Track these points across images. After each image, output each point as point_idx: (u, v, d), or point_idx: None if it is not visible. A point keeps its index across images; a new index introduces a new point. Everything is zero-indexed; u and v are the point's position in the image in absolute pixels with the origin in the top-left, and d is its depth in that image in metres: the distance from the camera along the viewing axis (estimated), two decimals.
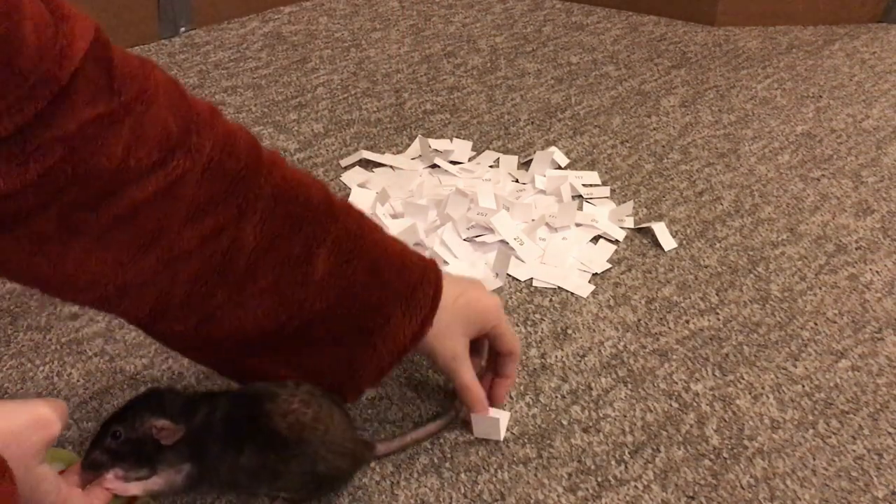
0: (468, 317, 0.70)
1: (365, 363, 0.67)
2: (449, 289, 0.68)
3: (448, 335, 0.69)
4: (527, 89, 1.39)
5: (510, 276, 0.97)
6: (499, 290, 0.94)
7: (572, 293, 0.94)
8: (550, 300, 0.93)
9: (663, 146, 1.24)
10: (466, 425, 0.76)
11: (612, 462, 0.74)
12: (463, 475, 0.72)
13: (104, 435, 0.59)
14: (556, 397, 0.81)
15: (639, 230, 1.05)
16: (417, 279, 0.66)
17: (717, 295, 0.95)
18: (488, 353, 0.77)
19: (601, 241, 1.03)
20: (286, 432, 0.61)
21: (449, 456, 0.74)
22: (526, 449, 0.75)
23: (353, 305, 0.64)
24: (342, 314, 0.64)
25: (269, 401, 0.61)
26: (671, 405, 0.81)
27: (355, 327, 0.65)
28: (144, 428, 0.58)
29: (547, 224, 1.04)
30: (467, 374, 0.72)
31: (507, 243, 0.99)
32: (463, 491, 0.71)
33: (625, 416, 0.79)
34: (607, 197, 1.12)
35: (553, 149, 1.20)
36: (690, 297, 0.95)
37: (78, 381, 0.80)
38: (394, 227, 1.00)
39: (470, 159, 1.18)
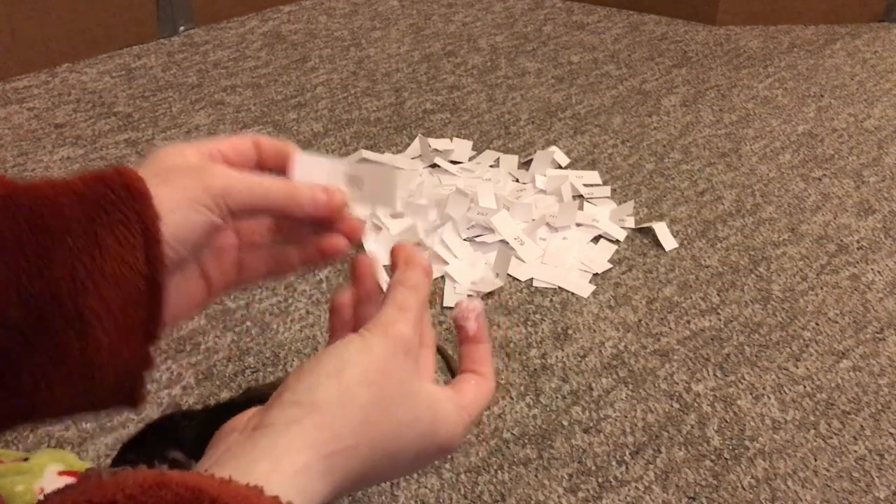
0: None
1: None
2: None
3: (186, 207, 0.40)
4: (527, 88, 1.39)
5: (510, 276, 0.96)
6: (499, 291, 0.94)
7: (573, 293, 0.94)
8: (551, 300, 0.93)
9: (664, 146, 1.24)
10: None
11: (613, 463, 0.74)
12: (463, 476, 0.72)
13: (121, 462, 0.59)
14: (557, 398, 0.81)
15: (640, 230, 1.05)
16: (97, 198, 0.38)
17: (718, 295, 0.95)
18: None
19: (602, 240, 1.02)
20: None
21: (449, 456, 0.74)
22: (526, 450, 0.75)
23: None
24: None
25: None
26: (672, 406, 0.80)
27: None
28: (160, 459, 0.58)
29: (547, 224, 1.03)
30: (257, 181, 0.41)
31: (508, 243, 0.99)
32: (463, 492, 0.71)
33: (626, 417, 0.79)
34: (608, 197, 1.11)
35: (553, 148, 1.19)
36: (691, 298, 0.95)
37: None
38: (394, 227, 1.00)
39: (470, 159, 1.18)
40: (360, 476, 0.38)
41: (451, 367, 0.83)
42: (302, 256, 0.45)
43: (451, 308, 0.91)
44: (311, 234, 0.45)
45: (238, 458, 0.35)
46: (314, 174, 0.43)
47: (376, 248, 0.99)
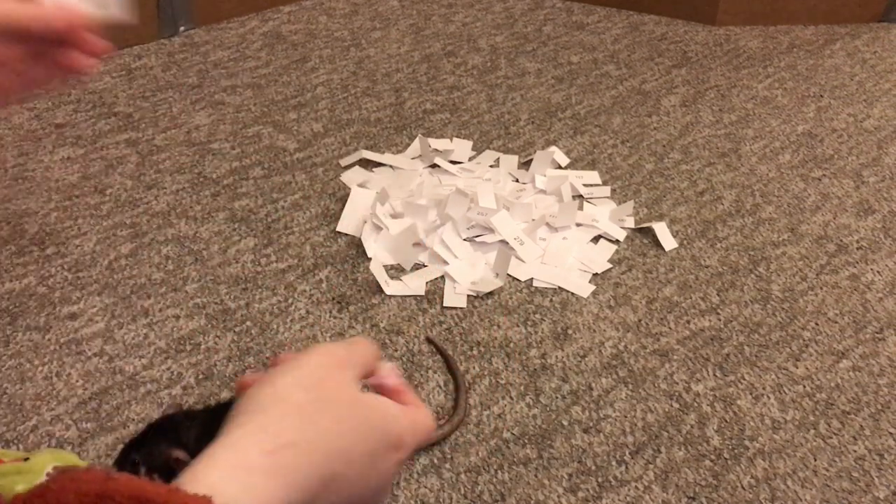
0: None
1: None
2: None
3: None
4: (527, 89, 1.39)
5: (510, 276, 0.96)
6: (499, 290, 0.94)
7: (573, 293, 0.94)
8: (551, 300, 0.93)
9: (664, 146, 1.24)
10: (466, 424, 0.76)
11: (613, 462, 0.74)
12: (463, 476, 0.72)
13: (124, 462, 0.59)
14: (557, 398, 0.81)
15: (639, 230, 1.05)
16: None
17: (717, 295, 0.95)
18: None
19: (602, 240, 1.03)
20: None
21: (449, 456, 0.74)
22: (526, 449, 0.75)
23: None
24: None
25: None
26: (672, 405, 0.80)
27: None
28: (162, 458, 0.58)
29: (547, 224, 1.03)
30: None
31: (508, 243, 0.99)
32: (463, 491, 0.71)
33: (625, 417, 0.79)
34: (608, 197, 1.11)
35: (553, 148, 1.19)
36: (691, 298, 0.95)
37: (77, 381, 0.80)
38: (394, 227, 1.00)
39: (470, 159, 1.18)
40: (317, 478, 0.39)
41: (450, 367, 0.83)
42: (51, 74, 0.51)
43: (451, 308, 0.91)
44: (59, 54, 0.51)
45: (189, 470, 0.36)
46: None
47: (376, 248, 0.99)
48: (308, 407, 0.40)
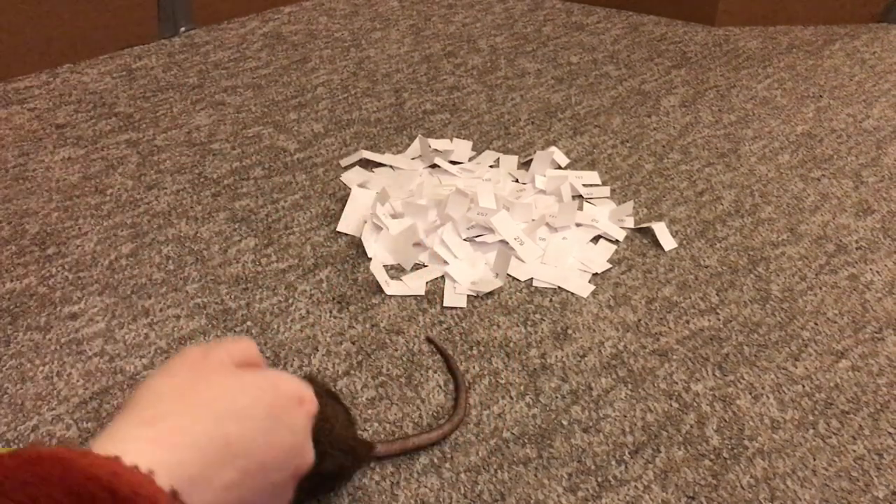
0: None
1: None
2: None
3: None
4: (527, 89, 1.39)
5: (510, 276, 0.97)
6: (499, 291, 0.94)
7: (572, 293, 0.94)
8: (550, 300, 0.93)
9: (663, 146, 1.24)
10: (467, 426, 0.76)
11: (613, 462, 0.74)
12: (463, 475, 0.72)
13: None
14: (557, 397, 0.81)
15: (639, 230, 1.05)
16: None
17: (717, 295, 0.95)
18: None
19: (601, 241, 1.03)
20: None
21: (449, 456, 0.74)
22: (526, 449, 0.75)
23: None
24: None
25: None
26: (671, 405, 0.80)
27: None
28: None
29: (547, 224, 1.04)
30: None
31: (507, 243, 0.99)
32: (463, 491, 0.71)
33: (625, 417, 0.79)
34: (607, 197, 1.11)
35: (553, 149, 1.20)
36: (690, 297, 0.95)
37: (77, 381, 0.80)
38: (394, 227, 1.00)
39: (470, 159, 1.18)
40: (209, 438, 0.41)
41: (450, 367, 0.83)
42: None
43: (451, 308, 0.91)
44: None
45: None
46: None
47: (376, 248, 0.99)
48: (181, 386, 0.43)
